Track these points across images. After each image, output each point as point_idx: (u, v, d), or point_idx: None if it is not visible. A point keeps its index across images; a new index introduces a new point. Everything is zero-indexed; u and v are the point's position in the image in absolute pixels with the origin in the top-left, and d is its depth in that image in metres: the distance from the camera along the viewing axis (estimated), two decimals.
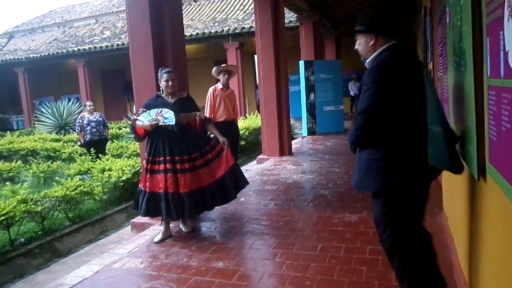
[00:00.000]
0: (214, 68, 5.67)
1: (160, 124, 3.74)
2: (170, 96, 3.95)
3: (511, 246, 1.47)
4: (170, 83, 3.90)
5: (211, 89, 5.64)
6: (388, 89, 2.01)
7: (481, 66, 1.69)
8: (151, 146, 3.85)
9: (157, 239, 3.89)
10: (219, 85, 5.64)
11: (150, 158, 3.83)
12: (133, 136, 4.05)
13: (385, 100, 2.02)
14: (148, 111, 3.80)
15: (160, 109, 3.77)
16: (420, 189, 2.15)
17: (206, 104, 5.58)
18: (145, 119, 3.78)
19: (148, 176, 3.82)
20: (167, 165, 3.77)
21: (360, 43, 2.21)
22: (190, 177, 3.79)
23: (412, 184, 2.10)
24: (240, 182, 4.12)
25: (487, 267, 1.87)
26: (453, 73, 2.55)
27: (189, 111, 3.97)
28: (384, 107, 2.02)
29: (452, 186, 3.23)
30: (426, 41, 6.06)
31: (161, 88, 3.98)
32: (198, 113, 4.04)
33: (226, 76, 5.59)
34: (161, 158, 3.79)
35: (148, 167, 3.83)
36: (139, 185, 3.94)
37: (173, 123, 3.71)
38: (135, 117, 3.92)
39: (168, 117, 3.72)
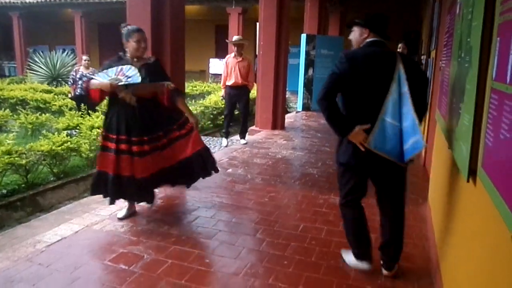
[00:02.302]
0: (230, 40, 6.93)
1: (122, 83, 3.16)
2: (135, 60, 3.31)
3: (490, 251, 1.46)
4: (142, 45, 3.28)
5: (226, 57, 6.79)
6: (342, 75, 2.37)
7: (486, 66, 1.62)
8: (106, 119, 3.36)
9: (120, 214, 3.53)
10: (233, 54, 6.61)
11: (104, 133, 3.35)
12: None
13: (337, 84, 2.40)
14: (105, 71, 3.21)
15: (120, 67, 3.18)
16: (353, 164, 2.51)
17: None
18: (102, 80, 3.19)
19: (99, 153, 3.39)
20: (122, 146, 3.24)
21: (355, 34, 2.55)
22: (152, 159, 3.32)
23: (344, 157, 2.53)
24: (207, 170, 3.64)
25: (464, 265, 1.87)
26: (456, 67, 2.48)
27: (157, 80, 3.37)
28: (336, 88, 2.42)
29: (439, 180, 3.21)
30: (432, 27, 5.93)
31: (126, 49, 3.33)
32: (167, 83, 3.41)
33: (236, 48, 6.55)
34: (114, 136, 3.25)
35: (102, 142, 3.38)
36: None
37: (139, 81, 3.14)
38: (88, 76, 3.37)
39: (132, 75, 3.14)
